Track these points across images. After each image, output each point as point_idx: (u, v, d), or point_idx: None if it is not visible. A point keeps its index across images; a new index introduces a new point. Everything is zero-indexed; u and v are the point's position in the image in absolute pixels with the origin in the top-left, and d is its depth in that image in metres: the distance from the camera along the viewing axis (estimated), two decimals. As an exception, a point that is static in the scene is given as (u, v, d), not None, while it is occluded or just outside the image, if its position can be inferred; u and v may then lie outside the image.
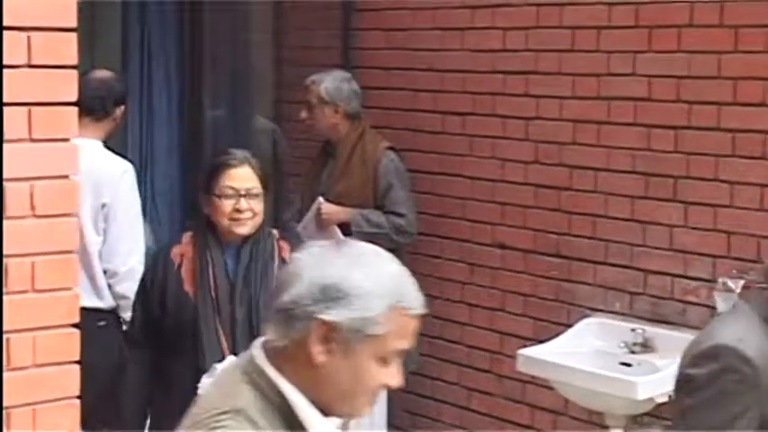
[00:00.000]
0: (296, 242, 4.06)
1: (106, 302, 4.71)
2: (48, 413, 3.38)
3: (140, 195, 6.10)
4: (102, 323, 4.70)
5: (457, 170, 5.58)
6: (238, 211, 3.93)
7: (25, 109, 3.26)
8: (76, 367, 3.45)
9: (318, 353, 2.08)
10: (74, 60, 3.33)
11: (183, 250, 4.02)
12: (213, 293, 3.94)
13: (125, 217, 4.73)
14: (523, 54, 5.23)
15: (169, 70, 6.41)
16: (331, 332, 2.08)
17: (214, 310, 3.92)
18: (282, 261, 3.95)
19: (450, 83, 5.58)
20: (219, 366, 3.82)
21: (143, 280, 4.16)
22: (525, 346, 4.97)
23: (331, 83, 5.38)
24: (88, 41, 4.84)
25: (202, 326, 3.91)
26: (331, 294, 2.08)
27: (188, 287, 3.95)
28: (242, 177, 3.95)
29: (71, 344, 3.43)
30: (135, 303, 4.19)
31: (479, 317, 5.50)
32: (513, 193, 5.34)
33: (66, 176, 3.35)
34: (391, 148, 5.39)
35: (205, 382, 3.82)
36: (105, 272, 4.72)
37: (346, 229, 5.27)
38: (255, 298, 3.92)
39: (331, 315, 2.07)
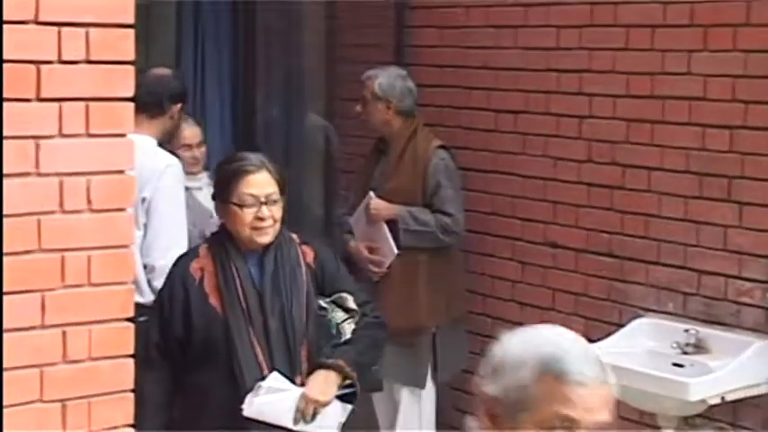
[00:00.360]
0: (318, 246, 3.99)
1: (146, 298, 4.46)
2: (102, 407, 3.42)
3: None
4: (142, 318, 4.61)
5: (509, 168, 5.59)
6: (260, 219, 3.78)
7: (82, 104, 3.30)
8: (130, 361, 3.49)
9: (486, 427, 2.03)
10: (131, 56, 3.37)
11: (202, 264, 3.84)
12: (244, 305, 3.78)
13: (166, 211, 4.58)
14: (577, 52, 5.22)
15: (222, 70, 6.47)
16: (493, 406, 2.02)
17: (246, 323, 3.76)
18: (308, 266, 3.87)
19: (503, 81, 5.58)
20: (265, 384, 3.76)
21: (159, 299, 3.96)
22: (576, 346, 4.95)
23: (385, 79, 5.40)
24: (143, 41, 4.89)
25: (236, 340, 3.74)
26: (491, 365, 2.03)
27: (214, 301, 3.78)
28: (261, 183, 3.79)
29: (125, 338, 3.47)
30: (148, 323, 3.92)
31: (530, 316, 5.49)
32: (565, 192, 5.33)
33: (121, 171, 3.39)
34: (443, 147, 5.40)
35: (252, 401, 3.74)
36: (145, 267, 4.56)
37: (394, 225, 5.29)
38: (288, 306, 3.79)
39: (489, 387, 2.02)
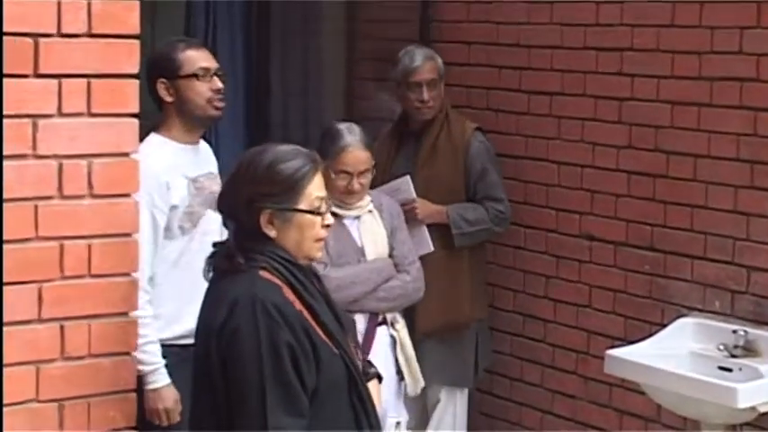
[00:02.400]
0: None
1: None
2: (102, 407, 3.43)
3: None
4: None
5: (543, 154, 5.56)
6: (327, 226, 3.31)
7: (84, 81, 3.30)
8: (132, 359, 3.49)
9: None
10: (136, 30, 3.37)
11: (291, 295, 3.18)
12: (343, 335, 3.31)
13: None
14: (618, 29, 5.19)
15: (235, 42, 6.44)
16: None
17: (354, 355, 3.32)
18: None
19: (537, 59, 5.55)
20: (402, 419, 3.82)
21: (273, 350, 3.08)
22: (614, 347, 4.94)
23: (440, 59, 5.39)
24: (150, 12, 4.87)
25: (357, 377, 3.26)
26: None
27: (322, 335, 3.18)
28: (323, 183, 3.30)
29: (128, 334, 3.47)
30: (266, 386, 3.07)
31: (565, 314, 5.47)
32: (603, 180, 5.30)
33: (126, 154, 3.39)
34: (479, 129, 5.39)
35: None
36: None
37: (444, 229, 5.24)
38: (350, 322, 3.65)
39: None
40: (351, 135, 4.68)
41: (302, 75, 6.59)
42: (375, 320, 4.79)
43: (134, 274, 3.46)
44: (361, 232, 4.78)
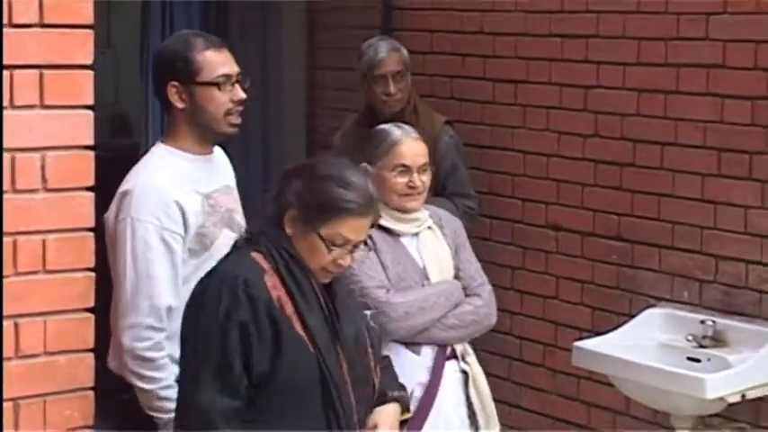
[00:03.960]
0: None
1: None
2: (59, 406, 3.41)
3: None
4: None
5: (508, 143, 5.57)
6: (339, 265, 3.23)
7: (36, 72, 3.27)
8: (90, 356, 3.48)
9: None
10: (89, 19, 3.34)
11: (273, 280, 3.16)
12: (333, 333, 3.21)
13: None
14: (583, 15, 5.20)
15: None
16: None
17: (339, 356, 3.19)
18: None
19: (501, 47, 5.57)
20: None
21: (240, 327, 3.09)
22: (582, 338, 4.96)
23: (405, 51, 5.37)
24: (104, 3, 4.84)
25: (336, 378, 3.16)
26: None
27: (299, 330, 3.13)
28: (360, 229, 3.23)
29: (85, 330, 3.45)
30: (205, 361, 3.10)
31: (531, 305, 5.49)
32: (569, 170, 5.32)
33: (80, 147, 3.37)
34: (448, 122, 5.38)
35: None
36: None
37: None
38: (360, 334, 3.31)
39: None
40: (400, 129, 4.25)
41: (263, 66, 6.58)
42: (444, 353, 4.16)
43: (90, 270, 3.44)
44: (422, 252, 4.21)
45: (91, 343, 3.48)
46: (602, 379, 4.98)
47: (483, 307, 4.24)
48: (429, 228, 4.24)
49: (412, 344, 4.08)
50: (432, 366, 4.11)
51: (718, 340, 4.68)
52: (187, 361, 3.17)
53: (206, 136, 3.73)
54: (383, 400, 3.36)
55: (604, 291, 5.20)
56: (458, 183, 5.32)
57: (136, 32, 6.63)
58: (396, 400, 3.39)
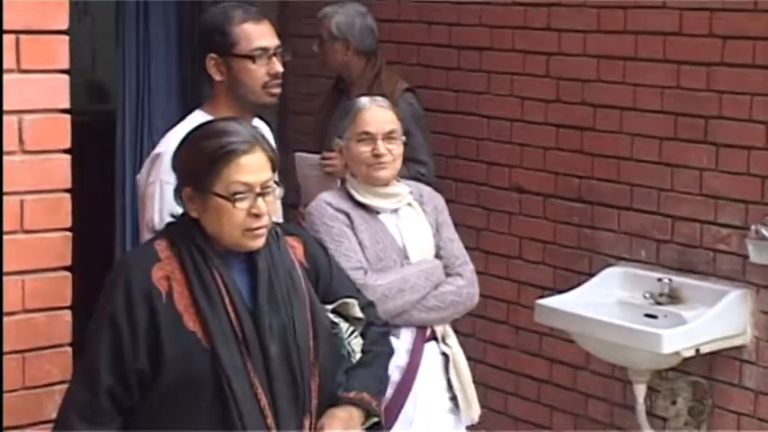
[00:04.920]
0: (305, 236, 3.36)
1: None
2: (37, 361, 3.42)
3: (138, 135, 6.15)
4: None
5: (473, 109, 5.57)
6: (257, 216, 2.99)
7: (13, 37, 3.26)
8: (68, 313, 3.49)
9: None
10: (65, -15, 3.34)
11: (166, 271, 2.94)
12: (237, 329, 2.94)
13: None
14: (545, -16, 5.21)
15: (169, 31, 6.43)
16: None
17: (243, 354, 2.94)
18: (301, 266, 3.17)
19: (466, 15, 5.56)
20: None
21: (110, 322, 2.92)
22: (544, 296, 4.99)
23: (343, 17, 5.34)
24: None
25: (233, 379, 2.90)
26: None
27: (192, 325, 2.90)
28: (255, 168, 3.00)
29: (62, 288, 3.46)
30: (84, 363, 2.99)
31: (495, 265, 5.51)
32: (532, 134, 5.33)
33: (57, 110, 3.37)
34: (409, 89, 5.36)
35: None
36: None
37: None
38: (291, 326, 3.02)
39: None
40: (368, 98, 4.09)
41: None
42: (423, 335, 3.99)
43: (67, 230, 3.44)
44: (401, 229, 4.01)
45: (68, 300, 3.49)
46: (563, 335, 5.01)
47: (465, 287, 4.06)
48: (409, 204, 4.06)
49: (391, 326, 3.74)
50: (410, 349, 3.94)
51: (673, 297, 4.71)
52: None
53: (245, 107, 3.63)
54: (336, 402, 3.11)
55: (566, 250, 5.23)
56: (410, 148, 5.23)
57: (112, 1, 6.61)
58: (351, 402, 3.12)
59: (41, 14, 3.30)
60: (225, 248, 2.99)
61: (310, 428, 3.04)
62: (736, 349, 4.58)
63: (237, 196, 2.94)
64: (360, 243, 3.92)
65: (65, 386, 3.39)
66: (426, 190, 4.18)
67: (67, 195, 3.43)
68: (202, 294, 2.91)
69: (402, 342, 3.91)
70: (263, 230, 3.00)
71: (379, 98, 4.14)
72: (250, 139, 2.99)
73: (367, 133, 3.97)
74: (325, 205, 3.97)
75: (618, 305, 4.80)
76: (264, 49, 3.58)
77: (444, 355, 4.02)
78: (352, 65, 5.36)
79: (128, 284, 2.90)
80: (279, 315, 2.99)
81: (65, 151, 3.40)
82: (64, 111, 3.38)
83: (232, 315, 2.93)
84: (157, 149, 3.61)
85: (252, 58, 3.57)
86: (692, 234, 4.74)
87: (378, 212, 4.00)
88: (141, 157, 5.99)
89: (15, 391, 3.36)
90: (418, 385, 3.95)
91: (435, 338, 4.02)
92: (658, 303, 4.71)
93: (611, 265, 4.99)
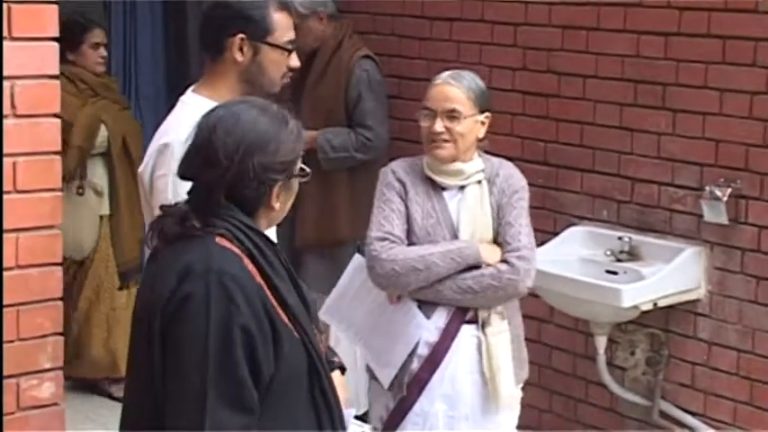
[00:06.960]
0: None
1: None
2: (31, 314, 3.44)
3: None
4: None
5: (444, 77, 5.57)
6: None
7: (5, 6, 3.26)
8: (59, 269, 3.50)
9: None
10: (53, -43, 3.33)
11: (251, 267, 2.54)
12: (310, 322, 2.67)
13: None
14: (513, -42, 5.21)
15: (156, 31, 6.40)
16: None
17: (319, 344, 2.67)
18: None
19: (438, -13, 5.56)
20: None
21: (242, 330, 2.45)
22: (511, 254, 5.01)
23: None
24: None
25: (322, 367, 2.62)
26: None
27: (283, 316, 2.55)
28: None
29: (54, 245, 3.47)
30: (224, 379, 2.43)
31: (465, 225, 5.52)
32: (500, 100, 5.30)
33: (47, 76, 3.37)
34: (368, 57, 5.33)
35: None
36: None
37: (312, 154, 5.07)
38: (315, 309, 2.78)
39: None
40: (446, 73, 3.85)
41: None
42: (461, 316, 3.75)
43: (58, 190, 3.45)
44: (460, 207, 3.77)
45: (60, 257, 3.50)
46: (528, 291, 5.03)
47: (506, 273, 3.73)
48: (479, 182, 3.80)
49: (427, 303, 3.70)
50: (443, 327, 3.74)
51: (633, 255, 4.75)
52: (180, 374, 2.43)
53: (252, 93, 3.18)
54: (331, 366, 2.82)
55: (531, 211, 5.17)
56: (360, 114, 5.24)
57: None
58: (339, 367, 2.92)
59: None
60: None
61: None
62: (691, 303, 4.63)
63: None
64: (410, 215, 3.76)
65: (56, 338, 3.43)
66: (506, 170, 3.88)
67: (58, 157, 3.44)
68: (281, 282, 2.57)
69: (433, 321, 3.75)
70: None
71: (462, 74, 3.87)
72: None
73: (428, 109, 3.78)
74: (389, 171, 3.87)
75: (580, 262, 4.84)
76: (292, 42, 3.32)
77: (478, 339, 3.77)
78: (329, 33, 5.35)
79: (240, 287, 2.45)
80: (311, 311, 2.72)
81: (54, 115, 3.41)
82: (53, 77, 3.38)
83: (300, 296, 2.65)
84: (164, 139, 3.16)
85: (285, 49, 3.28)
86: (651, 195, 4.77)
87: (444, 189, 3.80)
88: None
89: (11, 342, 3.38)
90: (448, 363, 3.76)
91: (476, 322, 3.77)
92: (618, 260, 4.75)
93: (574, 224, 5.02)
